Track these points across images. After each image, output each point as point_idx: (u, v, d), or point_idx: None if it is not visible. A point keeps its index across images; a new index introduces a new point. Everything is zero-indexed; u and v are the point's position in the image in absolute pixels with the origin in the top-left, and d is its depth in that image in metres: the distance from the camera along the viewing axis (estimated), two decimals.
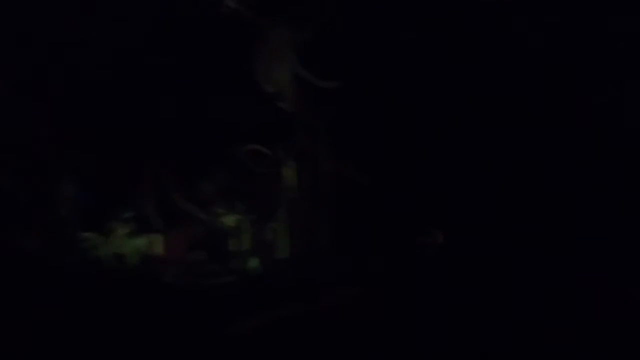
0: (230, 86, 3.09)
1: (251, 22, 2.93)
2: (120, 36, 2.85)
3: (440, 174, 3.15)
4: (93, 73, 2.84)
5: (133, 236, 2.74)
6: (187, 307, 2.31)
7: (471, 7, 3.05)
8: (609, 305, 2.38)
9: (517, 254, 2.77)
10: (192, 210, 2.84)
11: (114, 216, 2.77)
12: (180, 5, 2.92)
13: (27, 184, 2.74)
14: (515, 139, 3.03)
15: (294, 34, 2.96)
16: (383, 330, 2.42)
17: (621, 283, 2.49)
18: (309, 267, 2.89)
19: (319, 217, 3.20)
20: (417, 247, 3.05)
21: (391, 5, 3.08)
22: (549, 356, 2.29)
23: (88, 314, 2.20)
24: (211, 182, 3.01)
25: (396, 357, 2.36)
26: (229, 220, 2.98)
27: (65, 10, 2.76)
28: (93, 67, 2.83)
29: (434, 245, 3.05)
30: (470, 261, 2.81)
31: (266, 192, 3.22)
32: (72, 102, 2.82)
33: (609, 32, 2.85)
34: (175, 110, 2.95)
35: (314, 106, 3.21)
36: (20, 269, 2.32)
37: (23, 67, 2.78)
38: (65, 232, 2.68)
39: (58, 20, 2.76)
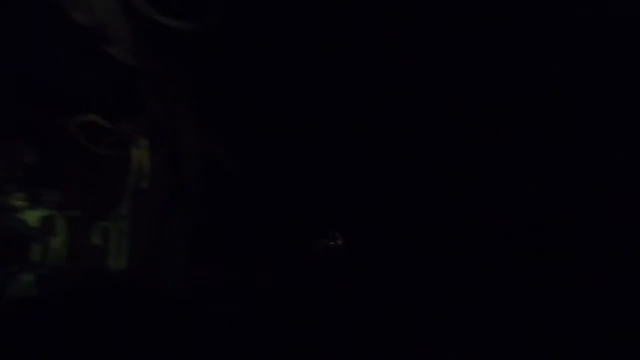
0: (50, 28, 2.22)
1: None
2: None
3: (336, 164, 2.56)
4: None
5: None
6: None
7: None
8: None
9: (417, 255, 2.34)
10: None
11: None
12: None
13: None
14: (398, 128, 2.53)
15: None
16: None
17: None
18: (150, 280, 2.09)
19: (176, 213, 2.45)
20: (312, 250, 2.46)
21: None
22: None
23: None
24: (7, 162, 2.07)
25: None
26: (31, 216, 2.06)
27: None
28: None
29: (333, 249, 2.52)
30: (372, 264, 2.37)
31: (103, 180, 2.40)
32: None
33: None
34: None
35: (172, 62, 2.41)
36: None
37: None
38: None
39: None
